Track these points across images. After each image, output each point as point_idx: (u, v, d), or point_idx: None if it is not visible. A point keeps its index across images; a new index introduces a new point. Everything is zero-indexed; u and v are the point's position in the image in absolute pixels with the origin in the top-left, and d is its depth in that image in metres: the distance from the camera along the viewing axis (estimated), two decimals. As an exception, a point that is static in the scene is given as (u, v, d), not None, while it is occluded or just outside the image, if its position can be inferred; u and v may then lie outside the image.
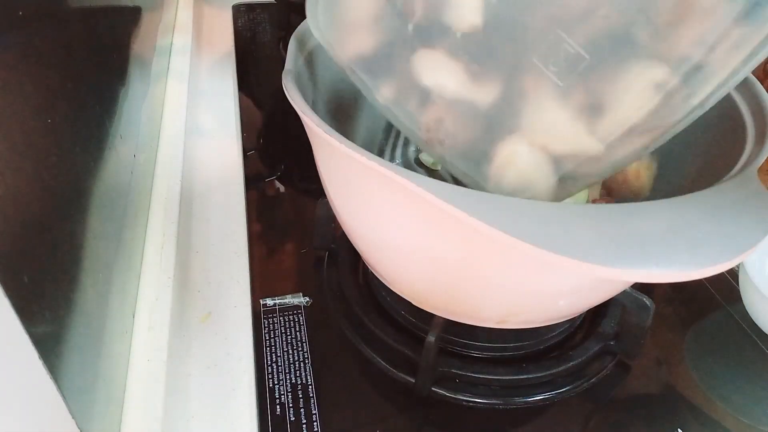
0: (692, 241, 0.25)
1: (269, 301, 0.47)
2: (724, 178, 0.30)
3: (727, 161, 0.33)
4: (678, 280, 0.24)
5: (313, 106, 0.33)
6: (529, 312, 0.37)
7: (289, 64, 0.38)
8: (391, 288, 0.41)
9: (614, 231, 0.25)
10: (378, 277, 0.43)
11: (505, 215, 0.25)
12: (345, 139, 0.30)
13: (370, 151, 0.29)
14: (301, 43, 0.41)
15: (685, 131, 0.43)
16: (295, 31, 0.41)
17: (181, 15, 0.85)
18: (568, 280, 0.33)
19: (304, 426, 0.38)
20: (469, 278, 0.34)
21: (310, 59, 0.42)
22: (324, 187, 0.40)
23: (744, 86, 0.38)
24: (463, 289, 0.35)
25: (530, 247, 0.24)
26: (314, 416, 0.39)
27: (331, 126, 0.31)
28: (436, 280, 0.36)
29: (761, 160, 0.31)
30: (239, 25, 0.89)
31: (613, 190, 0.45)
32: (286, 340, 0.44)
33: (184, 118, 0.64)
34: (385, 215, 0.34)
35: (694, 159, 0.41)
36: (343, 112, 0.47)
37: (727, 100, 0.38)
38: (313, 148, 0.38)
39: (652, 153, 0.45)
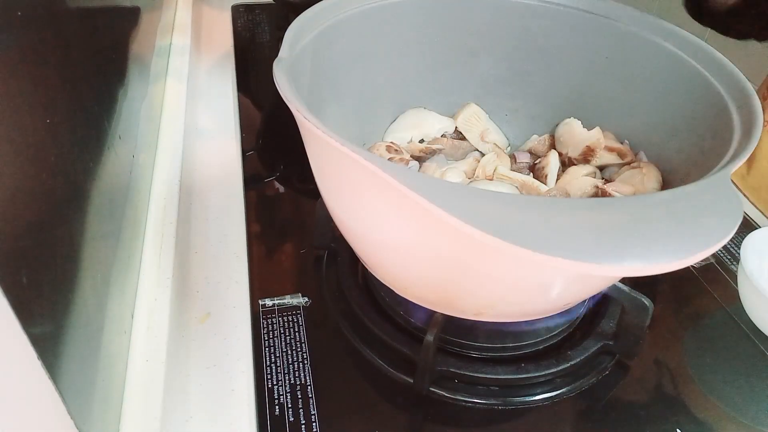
0: (647, 239, 0.25)
1: (268, 302, 0.47)
2: (701, 178, 0.30)
3: (713, 160, 0.33)
4: (631, 274, 0.24)
5: (313, 102, 0.33)
6: (505, 305, 0.37)
7: (283, 52, 0.37)
8: (374, 273, 0.41)
9: (565, 223, 0.25)
10: (362, 262, 0.42)
11: (480, 210, 0.25)
12: (326, 128, 0.30)
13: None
14: (299, 34, 0.40)
15: (677, 131, 0.44)
16: (294, 21, 0.40)
17: (181, 15, 0.86)
18: (541, 274, 0.33)
19: (303, 426, 0.38)
20: (441, 267, 0.34)
21: (310, 49, 0.41)
22: (315, 177, 0.40)
23: (736, 90, 0.38)
24: (437, 278, 0.35)
25: (508, 245, 0.24)
26: (313, 416, 0.39)
27: (331, 124, 0.31)
28: (412, 266, 0.36)
29: (740, 163, 0.31)
30: (238, 25, 0.89)
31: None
32: (285, 340, 0.44)
33: (183, 118, 0.64)
34: (361, 199, 0.34)
35: (684, 156, 0.42)
36: (345, 108, 0.47)
37: (717, 98, 0.39)
38: (303, 140, 0.38)
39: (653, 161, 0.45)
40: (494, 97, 0.54)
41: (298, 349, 0.43)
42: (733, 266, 0.53)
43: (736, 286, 0.49)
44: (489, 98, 0.55)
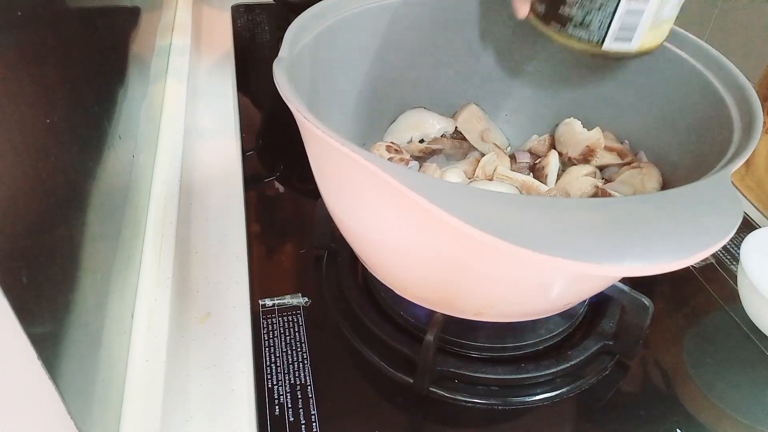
0: (647, 239, 0.25)
1: (268, 302, 0.47)
2: (701, 178, 0.30)
3: (713, 160, 0.33)
4: (631, 274, 0.25)
5: (313, 103, 0.33)
6: (505, 305, 0.37)
7: (283, 52, 0.37)
8: (374, 273, 0.41)
9: (565, 223, 0.25)
10: (362, 262, 0.42)
11: (480, 210, 0.25)
12: (326, 128, 0.30)
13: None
14: (299, 34, 0.40)
15: (677, 131, 0.44)
16: (294, 21, 0.40)
17: (181, 15, 0.85)
18: (541, 274, 0.33)
19: (303, 426, 0.38)
20: (441, 267, 0.34)
21: (309, 49, 0.41)
22: (315, 177, 0.40)
23: (736, 90, 0.38)
24: (437, 278, 0.35)
25: (508, 245, 0.24)
26: (313, 416, 0.39)
27: (331, 124, 0.31)
28: (412, 266, 0.36)
29: (740, 162, 0.31)
30: (238, 25, 0.89)
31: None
32: (285, 340, 0.44)
33: (183, 118, 0.64)
34: (361, 199, 0.34)
35: (684, 156, 0.42)
36: (345, 108, 0.47)
37: (717, 98, 0.39)
38: (303, 140, 0.38)
39: (655, 162, 0.45)
40: (494, 97, 0.54)
41: (298, 349, 0.43)
42: (733, 266, 0.53)
43: (736, 286, 0.49)
44: (489, 98, 0.55)
